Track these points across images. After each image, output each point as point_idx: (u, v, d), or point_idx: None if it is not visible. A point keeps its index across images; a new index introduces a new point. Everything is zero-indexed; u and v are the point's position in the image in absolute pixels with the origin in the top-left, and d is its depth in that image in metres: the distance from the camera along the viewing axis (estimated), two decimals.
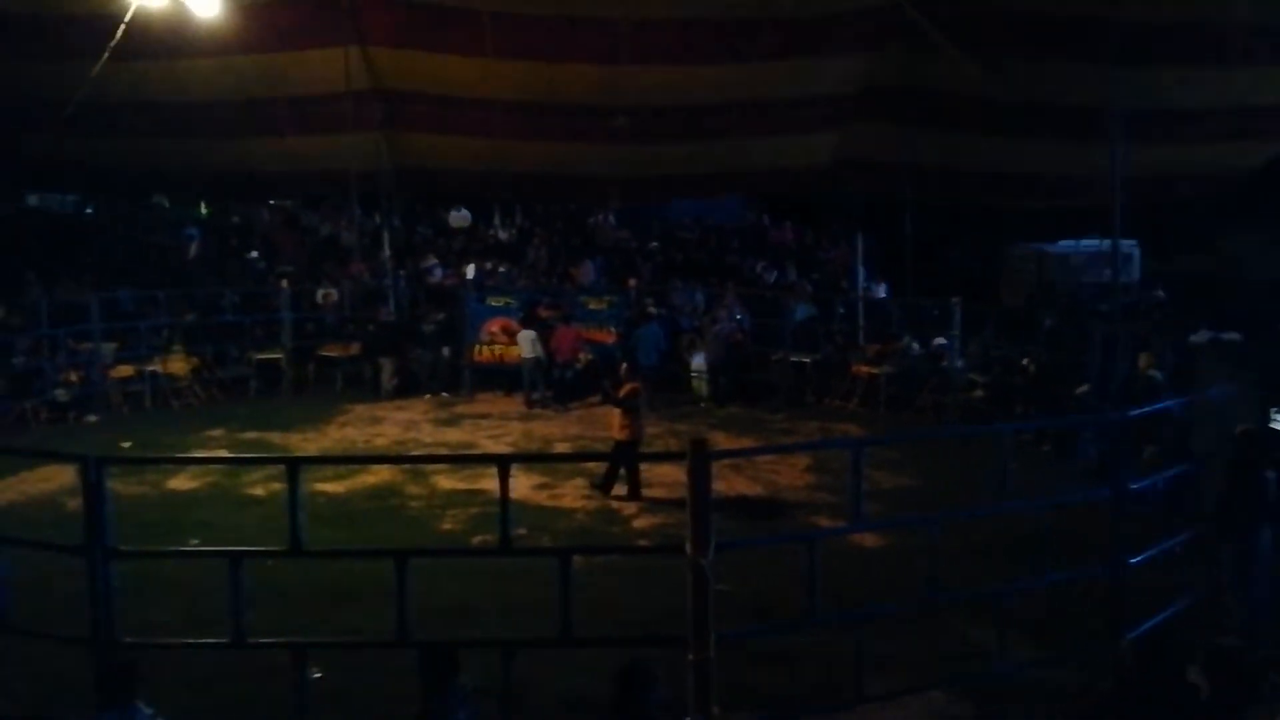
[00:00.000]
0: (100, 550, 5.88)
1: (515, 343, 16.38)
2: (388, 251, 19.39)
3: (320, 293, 18.55)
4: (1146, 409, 7.80)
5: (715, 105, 15.74)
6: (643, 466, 11.40)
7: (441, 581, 8.23)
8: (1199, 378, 11.07)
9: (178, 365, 16.34)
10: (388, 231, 20.02)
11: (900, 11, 13.26)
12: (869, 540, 9.48)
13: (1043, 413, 13.42)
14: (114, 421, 14.98)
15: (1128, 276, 18.30)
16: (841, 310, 18.13)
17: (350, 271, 19.11)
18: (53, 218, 23.76)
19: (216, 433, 14.18)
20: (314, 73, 15.36)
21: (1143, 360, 12.35)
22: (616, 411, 11.35)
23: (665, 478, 11.30)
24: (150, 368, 16.12)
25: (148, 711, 5.02)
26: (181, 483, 11.67)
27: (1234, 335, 13.20)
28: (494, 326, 16.97)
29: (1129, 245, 18.58)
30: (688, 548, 5.75)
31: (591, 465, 11.68)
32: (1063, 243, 20.64)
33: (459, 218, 22.83)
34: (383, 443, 13.87)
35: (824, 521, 10.35)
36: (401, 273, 19.42)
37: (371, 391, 16.67)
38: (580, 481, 11.56)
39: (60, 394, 15.11)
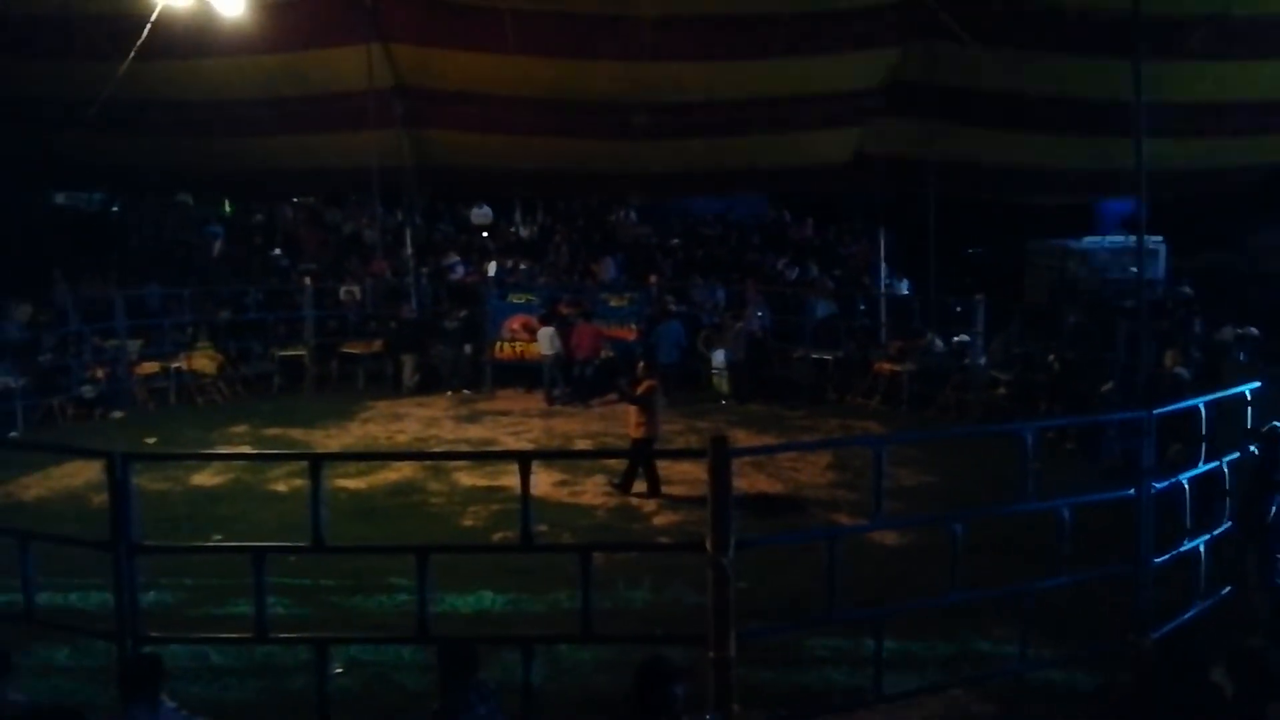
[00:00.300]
0: (125, 545, 5.93)
1: (536, 340, 16.42)
2: (409, 249, 19.48)
3: (343, 290, 18.65)
4: (1171, 407, 7.72)
5: (737, 101, 15.72)
6: (663, 464, 11.39)
7: (462, 578, 8.28)
8: (1225, 375, 10.97)
9: (203, 362, 16.47)
10: (410, 229, 20.11)
11: (923, 7, 13.19)
12: (890, 538, 9.44)
13: (1067, 410, 13.31)
14: (139, 417, 15.11)
15: (1153, 273, 18.14)
16: (863, 307, 18.05)
17: (373, 269, 19.20)
18: (79, 216, 23.98)
19: (240, 429, 14.28)
20: (337, 71, 15.47)
21: (1168, 358, 12.23)
22: (633, 409, 11.34)
23: (686, 475, 11.28)
24: (175, 364, 16.26)
25: (172, 705, 5.06)
26: (205, 478, 11.76)
27: (1255, 331, 13.06)
28: (515, 324, 17.01)
29: (1155, 241, 18.41)
30: (708, 545, 5.74)
31: (612, 462, 11.68)
32: (1087, 239, 20.47)
33: (480, 215, 22.88)
34: (404, 439, 13.93)
35: (845, 519, 10.31)
36: (423, 270, 19.49)
37: (393, 388, 16.74)
38: (601, 478, 11.57)
39: (86, 390, 15.25)
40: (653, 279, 18.57)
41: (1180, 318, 15.55)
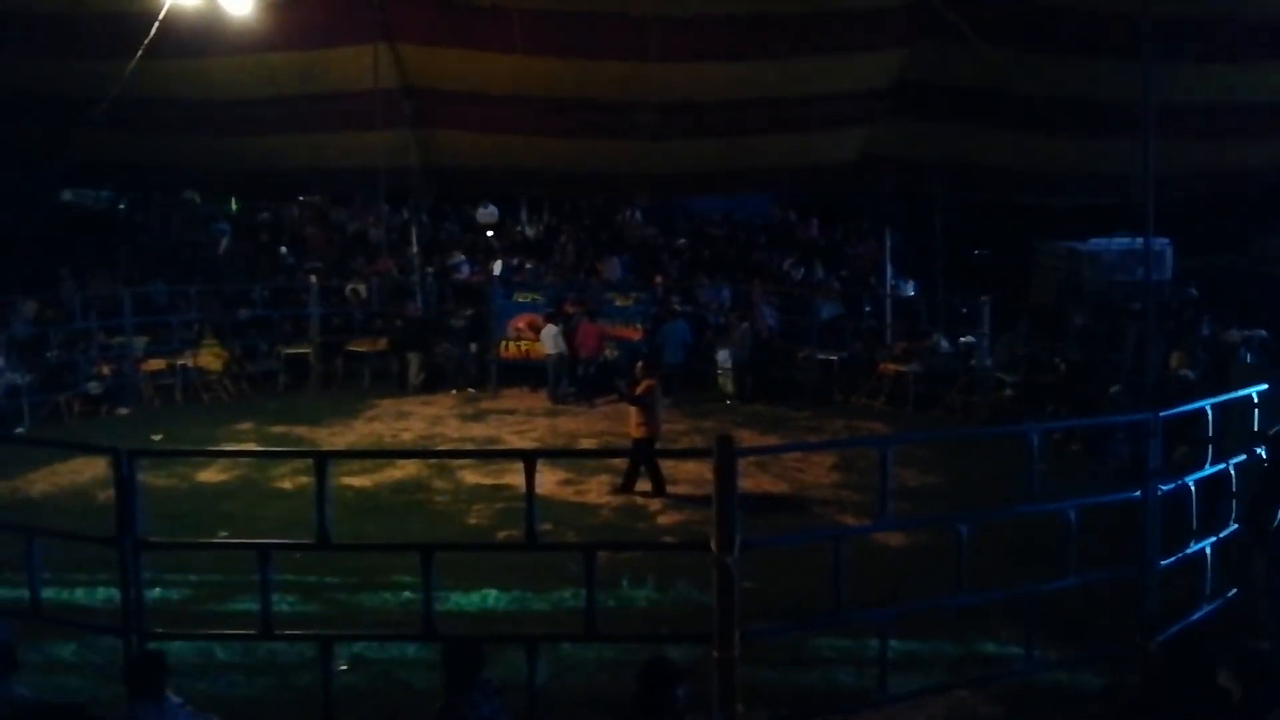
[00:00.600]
0: (131, 541, 5.95)
1: (541, 339, 16.41)
2: (415, 248, 19.50)
3: (348, 288, 18.69)
4: (1178, 409, 7.70)
5: (744, 101, 15.70)
6: (668, 463, 11.38)
7: (467, 576, 8.29)
8: (1232, 377, 10.94)
9: (209, 359, 16.50)
10: (415, 228, 20.13)
11: (931, 7, 13.17)
12: (896, 539, 9.43)
13: (1073, 412, 13.28)
14: (145, 414, 15.14)
15: (1160, 274, 18.07)
16: (869, 308, 18.03)
17: (378, 268, 19.22)
18: (87, 213, 24.04)
19: (245, 426, 14.31)
20: (344, 70, 15.47)
21: (1174, 359, 12.20)
22: (633, 409, 11.33)
23: (690, 475, 11.28)
24: (181, 361, 16.29)
25: (177, 701, 5.07)
26: (211, 475, 11.78)
27: (1263, 333, 13.02)
28: (520, 322, 17.01)
29: (1161, 243, 18.36)
30: (713, 545, 5.74)
31: (617, 462, 11.68)
32: (1094, 240, 20.42)
33: (486, 214, 22.89)
34: (409, 437, 13.95)
35: (850, 520, 10.30)
36: (429, 269, 19.50)
37: (398, 386, 16.76)
38: (606, 477, 11.57)
39: (93, 387, 15.30)
40: (658, 279, 18.57)
41: (1187, 319, 15.51)
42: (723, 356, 16.48)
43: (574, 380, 16.19)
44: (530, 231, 23.30)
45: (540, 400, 16.07)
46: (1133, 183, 11.45)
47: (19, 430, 13.82)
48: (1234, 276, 19.03)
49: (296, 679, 6.88)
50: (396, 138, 16.73)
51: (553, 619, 7.81)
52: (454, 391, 16.61)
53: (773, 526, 9.84)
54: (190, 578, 8.50)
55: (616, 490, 11.30)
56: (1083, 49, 13.42)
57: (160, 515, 8.75)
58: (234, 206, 25.33)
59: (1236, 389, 8.37)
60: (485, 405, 15.87)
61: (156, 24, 13.54)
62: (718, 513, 5.73)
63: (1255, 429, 7.97)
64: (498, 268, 19.74)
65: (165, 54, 14.22)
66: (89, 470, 11.53)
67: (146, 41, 13.85)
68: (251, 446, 13.25)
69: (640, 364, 12.10)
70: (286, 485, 11.26)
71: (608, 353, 16.20)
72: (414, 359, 16.76)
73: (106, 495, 7.32)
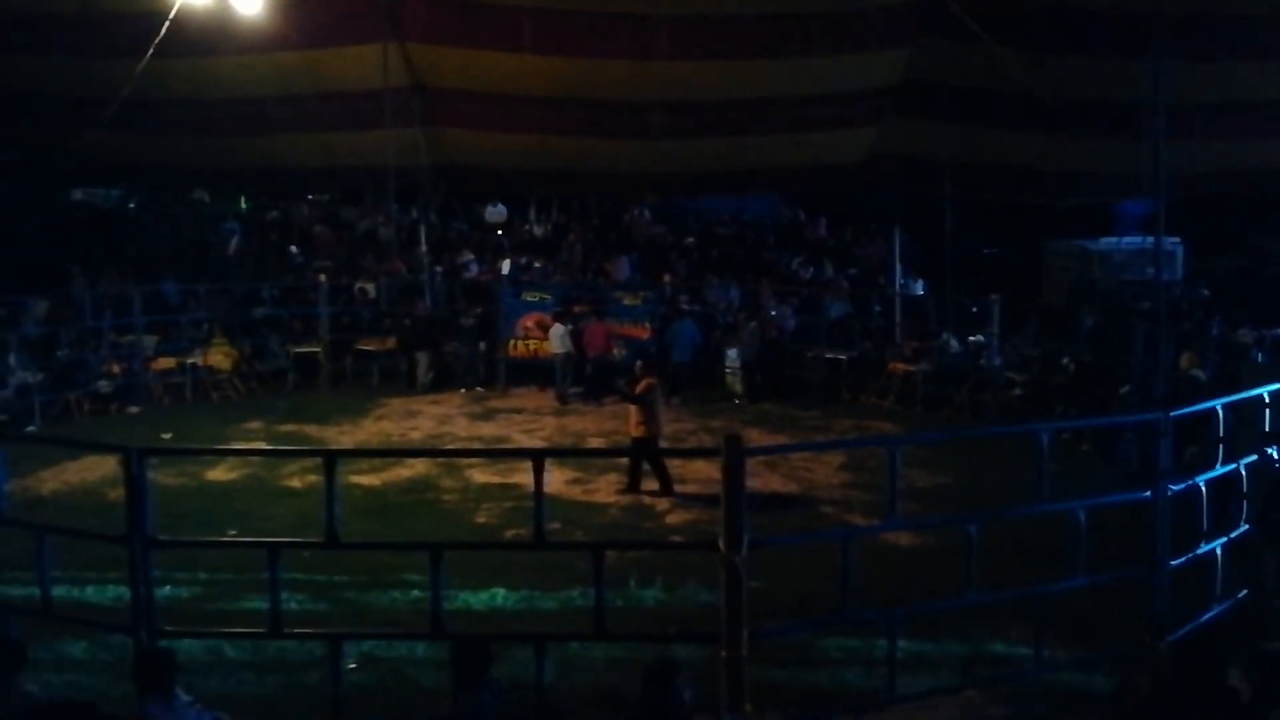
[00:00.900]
0: (141, 540, 5.97)
1: (549, 338, 16.43)
2: (424, 247, 19.52)
3: (357, 287, 18.73)
4: (1188, 409, 7.67)
5: (752, 101, 15.69)
6: (677, 462, 11.38)
7: (475, 574, 8.30)
8: (1243, 377, 10.89)
9: (219, 358, 16.55)
10: (424, 227, 20.14)
11: (940, 6, 13.14)
12: (904, 539, 9.41)
13: (1083, 412, 13.24)
14: (155, 413, 15.19)
15: (1171, 274, 18.00)
16: (878, 307, 18.00)
17: (388, 267, 19.26)
18: (97, 212, 24.12)
19: (254, 425, 14.34)
20: (353, 69, 15.51)
21: (1184, 359, 12.15)
22: (633, 408, 11.32)
23: (699, 474, 11.27)
24: (191, 360, 16.34)
25: (187, 699, 5.09)
26: (220, 474, 11.82)
27: (1277, 333, 12.97)
28: (529, 321, 17.02)
29: (1172, 243, 18.29)
30: (721, 544, 5.73)
31: (625, 461, 11.67)
32: (1104, 240, 20.35)
33: (495, 213, 22.91)
34: (418, 436, 13.97)
35: (859, 520, 10.29)
36: (438, 268, 19.53)
37: (407, 385, 16.78)
38: (614, 476, 11.57)
39: (103, 385, 15.36)
40: (667, 278, 18.57)
41: (1198, 320, 15.46)
42: (731, 356, 16.47)
43: (581, 379, 16.19)
44: (539, 230, 23.31)
45: (549, 399, 16.07)
46: (1143, 182, 11.42)
47: (30, 428, 13.89)
48: (1246, 276, 18.94)
49: (305, 677, 6.90)
50: (405, 136, 16.76)
51: (561, 618, 7.81)
52: (463, 390, 16.63)
53: (781, 526, 9.84)
54: (200, 576, 8.52)
55: (624, 490, 11.30)
56: (1092, 48, 13.37)
57: (170, 514, 8.80)
58: (243, 205, 25.39)
59: (1248, 389, 8.33)
60: (494, 404, 15.88)
61: (167, 24, 13.59)
62: (726, 512, 5.72)
63: (1267, 429, 7.93)
64: (506, 267, 19.75)
65: (175, 54, 14.28)
66: (99, 469, 11.57)
67: (157, 41, 13.90)
68: (261, 445, 13.29)
69: (639, 362, 12.10)
70: (295, 484, 11.28)
71: (615, 352, 16.19)
72: (423, 358, 16.78)
73: (117, 494, 7.34)
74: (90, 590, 8.10)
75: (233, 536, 9.25)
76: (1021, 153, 16.14)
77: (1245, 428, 8.02)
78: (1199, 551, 7.29)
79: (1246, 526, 7.69)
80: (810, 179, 19.15)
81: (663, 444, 11.74)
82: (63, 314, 16.36)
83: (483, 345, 17.16)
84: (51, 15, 14.30)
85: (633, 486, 11.26)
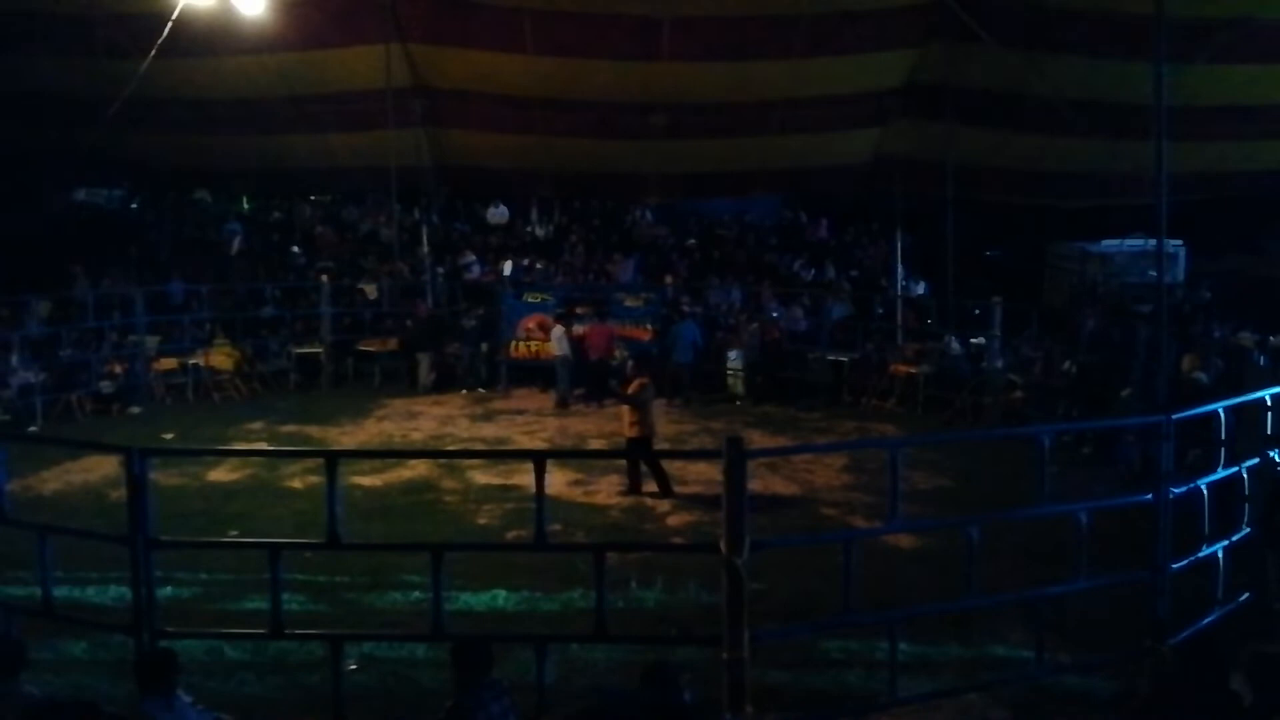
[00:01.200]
0: (142, 540, 5.97)
1: (551, 339, 16.42)
2: (426, 247, 19.53)
3: (359, 287, 18.75)
4: (1190, 412, 7.66)
5: (755, 102, 15.70)
6: (678, 464, 11.37)
7: (476, 576, 8.29)
8: (1245, 379, 10.87)
9: (220, 358, 16.56)
10: (426, 227, 20.16)
11: (943, 8, 13.14)
12: (906, 541, 9.40)
13: (1085, 415, 13.22)
14: (157, 413, 15.20)
15: (1173, 277, 18.00)
16: (880, 309, 17.99)
17: (389, 267, 19.27)
18: (100, 212, 24.14)
19: (256, 425, 14.35)
20: (355, 70, 15.52)
21: (1186, 362, 12.13)
22: (626, 409, 11.32)
23: (701, 475, 11.27)
24: (193, 360, 16.35)
25: (187, 699, 5.09)
26: (222, 474, 11.82)
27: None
28: (530, 323, 17.02)
29: (1174, 245, 18.28)
30: (722, 546, 5.73)
31: (626, 462, 11.66)
32: (1106, 242, 20.34)
33: (497, 214, 22.93)
34: (419, 437, 13.97)
35: (860, 522, 10.27)
36: (439, 269, 19.54)
37: (409, 386, 16.79)
38: (615, 478, 11.56)
39: (105, 386, 15.37)
40: (668, 279, 18.57)
41: (1200, 322, 15.45)
42: (733, 357, 16.46)
43: (583, 381, 16.17)
44: (540, 231, 23.32)
45: (550, 401, 16.07)
46: (1146, 184, 11.42)
47: (32, 428, 13.91)
48: (1248, 279, 18.92)
49: (306, 678, 6.89)
50: (407, 137, 16.78)
51: (562, 619, 7.80)
52: (464, 391, 16.64)
53: (783, 528, 9.83)
54: (201, 576, 8.52)
55: (625, 492, 11.30)
56: (1095, 50, 13.37)
57: (171, 514, 8.80)
58: (246, 206, 25.41)
59: (1250, 392, 8.32)
60: (495, 405, 15.88)
61: (170, 24, 13.60)
62: (727, 514, 5.72)
63: (1269, 432, 7.92)
64: (508, 268, 19.76)
65: (178, 54, 14.29)
66: (101, 469, 11.58)
67: (160, 41, 13.91)
68: (262, 446, 13.29)
69: (631, 363, 12.10)
70: (297, 485, 11.28)
71: (618, 354, 16.20)
72: (424, 359, 16.79)
73: (118, 494, 7.35)
74: (91, 590, 8.09)
75: (234, 537, 9.26)
76: (1024, 154, 16.15)
77: (1247, 430, 8.01)
78: (1200, 555, 7.28)
79: (1248, 530, 7.68)
80: (813, 180, 19.17)
81: (665, 445, 11.73)
82: (66, 314, 16.38)
83: (484, 346, 17.17)
84: (55, 15, 14.33)
85: (633, 488, 11.25)
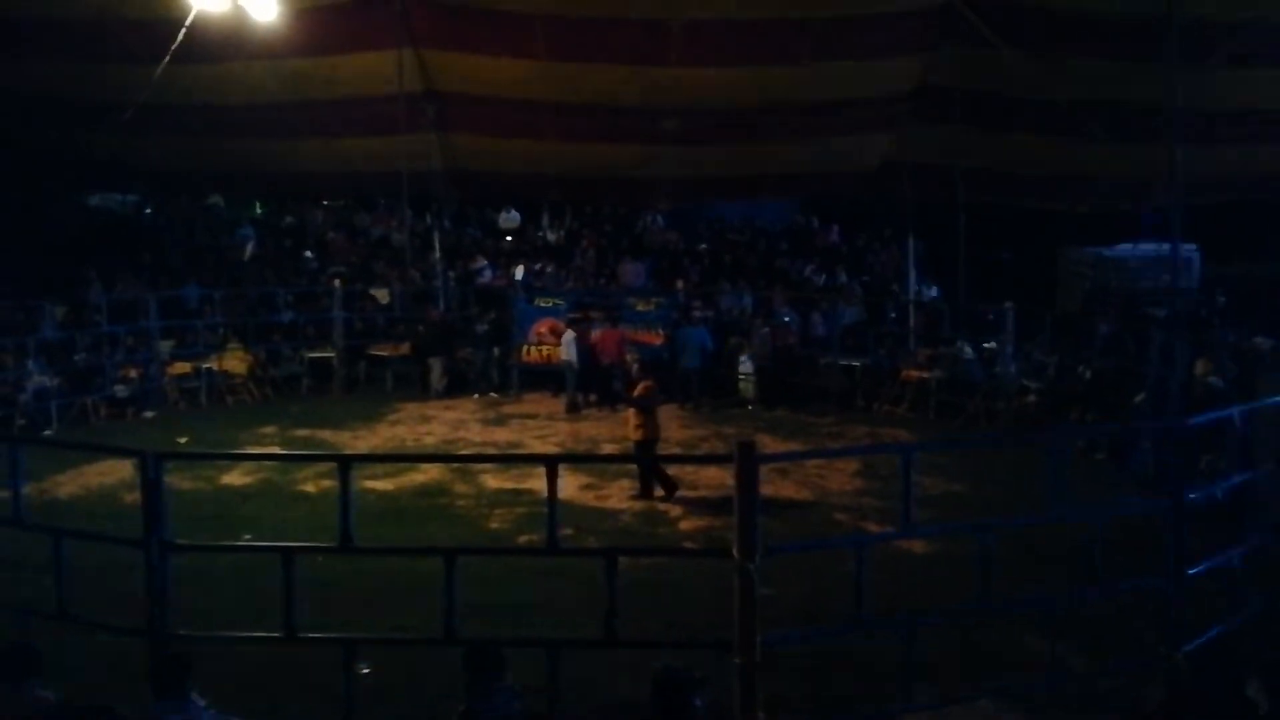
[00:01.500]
0: (157, 543, 5.99)
1: (561, 344, 16.43)
2: (438, 252, 19.57)
3: (371, 292, 18.81)
4: (1205, 417, 7.62)
5: (766, 107, 15.67)
6: (689, 469, 11.38)
7: (489, 580, 8.30)
8: (1260, 385, 10.81)
9: (234, 363, 16.63)
10: (438, 232, 20.21)
11: (954, 11, 13.11)
12: (918, 547, 9.38)
13: (1098, 420, 13.16)
14: (171, 417, 15.28)
15: (1187, 281, 17.92)
16: (892, 314, 17.94)
17: (401, 272, 19.31)
18: (113, 217, 24.28)
19: (269, 430, 14.40)
20: (367, 75, 15.56)
21: (1199, 366, 12.07)
22: (631, 412, 11.34)
23: (712, 480, 11.26)
24: (206, 365, 16.42)
25: (201, 703, 5.10)
26: (235, 478, 11.86)
27: None
28: (542, 327, 17.05)
29: (1189, 249, 18.20)
30: (734, 551, 5.72)
31: (637, 467, 11.65)
32: (1120, 246, 20.26)
33: (508, 219, 22.97)
34: (431, 441, 13.99)
35: (872, 527, 10.25)
36: (451, 274, 19.58)
37: (421, 391, 16.82)
38: (626, 483, 11.57)
39: (119, 390, 15.45)
40: (679, 284, 18.57)
41: (1215, 327, 15.37)
42: (744, 362, 16.45)
43: (593, 386, 16.16)
44: (552, 236, 23.36)
45: (561, 405, 16.07)
46: (1159, 188, 11.39)
47: (47, 432, 13.99)
48: (1263, 283, 18.81)
49: (319, 681, 6.90)
50: (419, 142, 16.81)
51: (574, 624, 7.80)
52: (476, 396, 16.66)
53: (795, 533, 9.82)
54: (215, 580, 8.54)
55: (637, 496, 11.30)
56: (1108, 53, 13.32)
57: (185, 518, 8.83)
58: (259, 211, 25.52)
59: (1265, 397, 8.28)
60: (507, 410, 15.90)
61: (183, 30, 13.67)
62: (740, 519, 5.71)
63: None
64: (519, 272, 19.80)
65: (191, 60, 14.35)
66: (115, 473, 11.63)
67: (173, 47, 13.98)
68: (275, 450, 13.34)
69: (636, 366, 12.13)
70: (310, 489, 11.32)
71: (629, 358, 16.19)
72: (436, 363, 16.82)
73: (133, 497, 7.36)
74: (106, 593, 8.12)
75: (248, 541, 9.29)
76: (1036, 158, 16.09)
77: (1262, 436, 7.97)
78: (1216, 561, 7.24)
79: (1264, 536, 7.63)
80: (825, 185, 19.15)
81: (676, 450, 11.73)
82: (81, 319, 16.47)
83: (496, 351, 17.20)
84: (68, 20, 14.41)
85: (645, 492, 11.25)
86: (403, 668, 7.14)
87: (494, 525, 10.51)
